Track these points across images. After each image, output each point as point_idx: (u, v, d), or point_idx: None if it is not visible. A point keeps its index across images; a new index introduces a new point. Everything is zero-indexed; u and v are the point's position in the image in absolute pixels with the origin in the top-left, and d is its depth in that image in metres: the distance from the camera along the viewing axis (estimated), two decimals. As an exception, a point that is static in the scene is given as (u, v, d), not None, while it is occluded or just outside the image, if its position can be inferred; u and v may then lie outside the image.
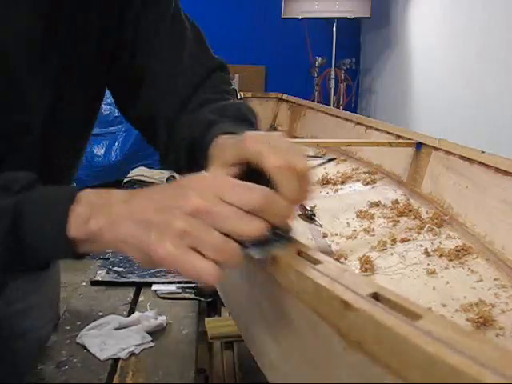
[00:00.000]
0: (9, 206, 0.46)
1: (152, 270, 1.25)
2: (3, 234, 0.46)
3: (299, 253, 0.43)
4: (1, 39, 0.57)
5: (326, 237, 1.34)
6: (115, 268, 1.25)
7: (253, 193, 0.41)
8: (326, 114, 2.31)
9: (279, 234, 0.45)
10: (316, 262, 0.40)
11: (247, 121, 0.63)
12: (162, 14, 0.73)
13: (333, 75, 3.58)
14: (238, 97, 2.69)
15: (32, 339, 0.91)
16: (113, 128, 3.11)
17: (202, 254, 0.40)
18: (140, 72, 0.71)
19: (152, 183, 2.10)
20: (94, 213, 0.44)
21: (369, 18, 3.40)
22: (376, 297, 0.32)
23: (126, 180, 2.18)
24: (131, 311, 1.05)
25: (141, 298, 1.13)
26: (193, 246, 0.40)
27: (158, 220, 0.41)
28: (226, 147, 0.52)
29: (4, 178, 0.49)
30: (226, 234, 0.40)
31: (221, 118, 0.62)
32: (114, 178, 2.73)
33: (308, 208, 1.48)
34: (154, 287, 1.17)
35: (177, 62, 0.72)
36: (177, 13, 0.76)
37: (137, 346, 0.91)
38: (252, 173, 0.47)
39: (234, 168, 0.49)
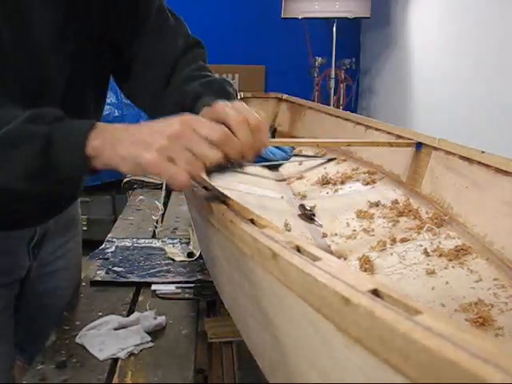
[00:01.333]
0: (42, 131, 0.62)
1: (151, 270, 1.25)
2: (36, 153, 0.62)
3: (299, 249, 0.43)
4: (27, 22, 0.72)
5: (326, 237, 1.34)
6: (115, 268, 1.24)
7: (217, 129, 0.60)
8: (326, 114, 2.31)
9: (231, 164, 0.64)
10: (315, 258, 0.40)
11: (227, 94, 0.82)
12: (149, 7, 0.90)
13: (333, 75, 3.57)
14: (238, 97, 2.70)
15: (59, 297, 1.10)
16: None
17: (176, 164, 0.57)
18: (131, 58, 0.90)
19: (152, 183, 2.10)
20: (100, 136, 0.61)
21: (369, 18, 3.40)
22: (376, 293, 0.32)
23: (125, 180, 2.18)
24: (131, 311, 1.05)
25: (140, 298, 1.13)
26: (171, 158, 0.57)
27: (148, 139, 0.58)
28: (204, 112, 0.69)
29: (39, 110, 0.64)
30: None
31: (206, 91, 0.81)
32: (113, 177, 2.73)
33: (308, 208, 1.48)
34: (154, 287, 1.16)
35: (158, 46, 0.90)
36: (162, 5, 0.93)
37: (136, 345, 0.91)
38: None
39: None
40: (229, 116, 0.63)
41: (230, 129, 0.61)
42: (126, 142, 0.60)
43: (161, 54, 0.90)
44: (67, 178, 0.68)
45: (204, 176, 0.64)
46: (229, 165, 0.64)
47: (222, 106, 0.65)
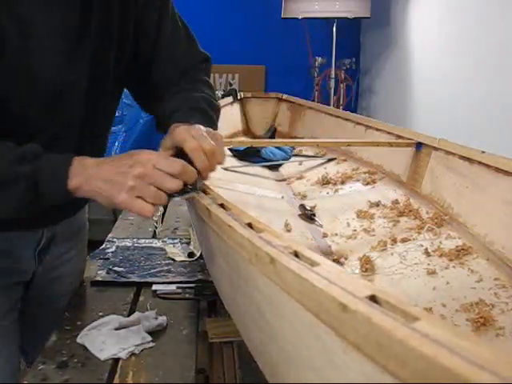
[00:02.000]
0: (28, 171, 0.71)
1: (152, 270, 1.25)
2: (24, 192, 0.71)
3: (297, 255, 0.43)
4: (42, 27, 0.77)
5: (326, 237, 1.34)
6: (115, 268, 1.25)
7: (175, 164, 0.70)
8: (326, 114, 2.31)
9: (191, 188, 0.74)
10: (313, 263, 0.40)
11: (200, 111, 0.90)
12: (163, 15, 0.96)
13: (333, 75, 3.57)
14: (238, 96, 2.70)
15: (62, 301, 1.12)
16: (113, 128, 3.10)
17: (145, 200, 0.68)
18: (146, 63, 0.98)
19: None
20: (75, 175, 0.71)
21: (369, 18, 3.39)
22: (374, 299, 0.32)
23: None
24: (131, 311, 1.05)
25: (141, 298, 1.13)
26: (139, 196, 0.68)
27: (116, 179, 0.69)
28: (168, 135, 0.80)
29: (21, 150, 0.72)
30: (160, 189, 0.69)
31: (181, 107, 0.90)
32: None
33: (308, 208, 1.48)
34: (154, 287, 1.17)
35: (171, 55, 0.98)
36: (173, 10, 0.99)
37: (137, 345, 0.91)
38: (182, 153, 0.75)
39: (170, 151, 0.77)
40: (186, 144, 0.74)
41: (187, 155, 0.73)
42: (98, 180, 0.70)
43: (172, 64, 0.99)
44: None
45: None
46: (189, 188, 0.74)
47: (181, 133, 0.76)
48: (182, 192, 0.72)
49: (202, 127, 0.78)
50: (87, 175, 0.71)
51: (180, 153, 0.75)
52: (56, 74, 0.81)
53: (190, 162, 0.73)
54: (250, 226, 0.54)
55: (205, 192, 0.77)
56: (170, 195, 0.71)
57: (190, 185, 0.74)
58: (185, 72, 0.99)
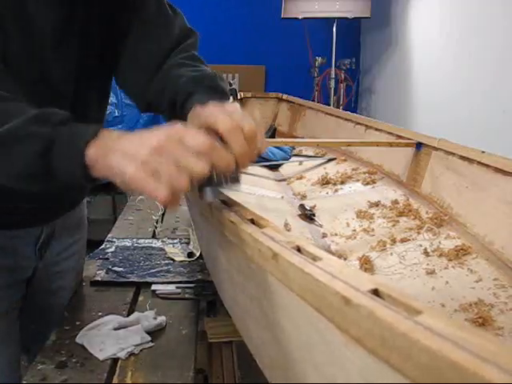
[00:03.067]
0: (46, 133, 0.60)
1: (151, 270, 1.25)
2: (36, 154, 0.60)
3: (299, 249, 0.43)
4: (30, 24, 0.74)
5: (326, 237, 1.34)
6: (115, 268, 1.24)
7: (201, 138, 0.54)
8: (326, 114, 2.31)
9: (225, 180, 0.58)
10: (316, 258, 0.40)
11: (219, 90, 0.80)
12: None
13: (333, 75, 3.57)
14: (238, 96, 2.70)
15: (63, 297, 1.10)
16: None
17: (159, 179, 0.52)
18: (126, 47, 0.90)
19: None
20: (94, 147, 0.59)
21: (369, 18, 3.40)
22: (376, 293, 0.32)
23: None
24: (131, 311, 1.05)
25: (140, 298, 1.12)
26: (152, 173, 0.53)
27: (132, 152, 0.55)
28: (195, 116, 0.65)
29: (46, 110, 0.63)
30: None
31: (197, 88, 0.79)
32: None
33: (308, 208, 1.48)
34: (154, 287, 1.16)
35: (153, 36, 0.89)
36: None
37: (136, 345, 0.91)
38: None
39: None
40: (220, 123, 0.58)
41: (221, 137, 0.57)
42: (117, 152, 0.57)
43: (156, 43, 0.89)
44: (65, 183, 0.65)
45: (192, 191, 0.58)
46: (222, 180, 0.58)
47: (213, 111, 0.61)
48: (214, 183, 0.57)
49: (237, 105, 0.64)
50: (107, 147, 0.58)
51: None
52: (52, 53, 0.78)
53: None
54: (252, 221, 0.54)
55: None
56: (201, 185, 0.57)
57: (224, 176, 0.58)
58: (177, 44, 0.90)
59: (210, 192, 0.58)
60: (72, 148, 0.60)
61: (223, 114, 0.59)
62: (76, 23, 0.81)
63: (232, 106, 0.63)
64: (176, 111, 0.80)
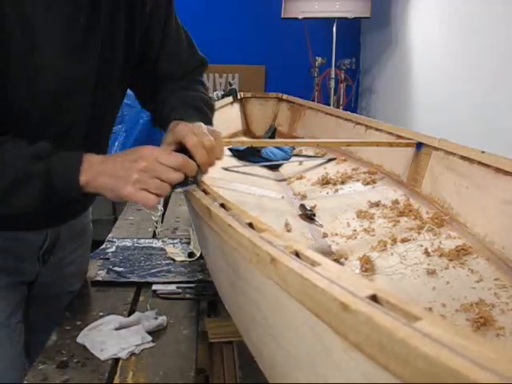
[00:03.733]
0: (41, 170, 0.74)
1: (152, 270, 1.25)
2: (39, 190, 0.75)
3: (298, 255, 0.43)
4: (47, 26, 0.78)
5: (326, 237, 1.34)
6: (115, 268, 1.25)
7: (177, 158, 0.75)
8: (326, 114, 2.31)
9: (191, 181, 0.80)
10: (314, 263, 0.40)
11: (198, 109, 0.95)
12: (168, 17, 0.99)
13: (333, 75, 3.57)
14: (238, 96, 2.70)
15: (64, 302, 1.12)
16: (113, 128, 3.10)
17: (149, 191, 0.73)
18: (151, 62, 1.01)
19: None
20: (84, 171, 0.75)
21: (369, 18, 3.39)
22: (375, 298, 0.32)
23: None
24: (131, 311, 1.05)
25: (141, 298, 1.13)
26: (143, 188, 0.73)
27: (122, 174, 0.74)
28: (169, 132, 0.84)
29: (33, 149, 0.75)
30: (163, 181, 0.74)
31: (180, 105, 0.95)
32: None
33: (308, 208, 1.48)
34: (154, 287, 1.17)
35: (176, 55, 1.02)
36: (175, 15, 1.01)
37: (137, 345, 0.91)
38: (183, 148, 0.80)
39: (171, 146, 0.81)
40: (187, 140, 0.79)
41: (188, 150, 0.79)
42: (105, 175, 0.75)
43: (176, 64, 1.03)
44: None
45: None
46: (190, 180, 0.80)
47: (182, 129, 0.81)
48: (184, 184, 0.79)
49: (202, 125, 0.83)
50: (94, 172, 0.75)
51: (181, 148, 0.80)
52: (62, 73, 0.82)
53: (191, 157, 0.79)
54: (250, 225, 0.54)
55: (205, 192, 0.77)
56: (173, 187, 0.77)
57: (191, 178, 0.80)
58: (186, 72, 1.04)
59: (180, 188, 0.79)
60: (68, 177, 0.75)
61: (190, 132, 0.80)
62: (96, 38, 0.87)
63: (198, 126, 0.82)
64: (161, 120, 0.97)
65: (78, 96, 0.86)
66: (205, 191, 0.77)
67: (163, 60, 1.01)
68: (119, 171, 0.74)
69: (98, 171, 0.75)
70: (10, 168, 0.74)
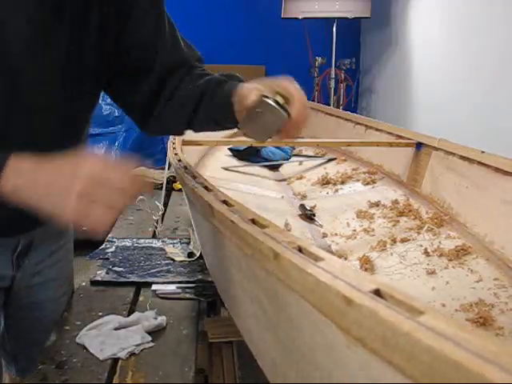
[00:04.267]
0: None
1: (152, 270, 1.25)
2: None
3: (300, 250, 0.43)
4: (6, 25, 0.70)
5: (326, 237, 1.33)
6: (115, 268, 1.24)
7: (123, 176, 0.61)
8: (326, 114, 2.31)
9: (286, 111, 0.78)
10: (317, 258, 0.40)
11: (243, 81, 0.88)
12: (161, 13, 0.90)
13: (333, 75, 3.57)
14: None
15: (48, 309, 1.04)
16: (113, 128, 3.10)
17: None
18: (147, 61, 0.90)
19: (152, 183, 2.09)
20: (10, 178, 0.61)
21: (369, 18, 3.40)
22: (378, 293, 0.32)
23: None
24: (131, 311, 1.05)
25: (140, 298, 1.12)
26: (84, 213, 0.59)
27: (58, 194, 0.60)
28: (261, 82, 0.82)
29: None
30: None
31: (229, 78, 0.88)
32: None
33: (308, 208, 1.48)
34: (154, 287, 1.16)
35: (176, 49, 0.93)
36: (168, 16, 0.92)
37: (136, 345, 0.91)
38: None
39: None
40: (293, 92, 0.77)
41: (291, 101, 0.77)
42: (39, 189, 0.62)
43: (176, 62, 0.93)
44: None
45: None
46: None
47: (285, 82, 0.80)
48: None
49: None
50: (25, 180, 0.62)
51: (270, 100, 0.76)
52: (24, 72, 0.75)
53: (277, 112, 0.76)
54: (253, 221, 0.54)
55: (207, 189, 0.77)
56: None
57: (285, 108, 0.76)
58: (191, 66, 0.95)
59: None
60: None
61: (295, 88, 0.79)
62: (62, 32, 0.78)
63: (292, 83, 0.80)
64: (201, 103, 0.88)
65: (41, 95, 0.78)
66: (206, 188, 0.77)
67: (164, 57, 0.90)
68: (55, 189, 0.61)
69: (29, 180, 0.62)
70: None
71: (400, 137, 1.67)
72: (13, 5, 0.71)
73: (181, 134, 1.04)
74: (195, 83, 0.90)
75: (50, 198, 0.61)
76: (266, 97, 0.76)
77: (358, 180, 1.75)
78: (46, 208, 0.62)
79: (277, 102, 0.76)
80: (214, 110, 0.87)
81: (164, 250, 1.39)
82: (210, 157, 2.05)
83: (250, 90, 0.80)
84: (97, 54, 0.83)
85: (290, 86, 0.78)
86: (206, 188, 0.77)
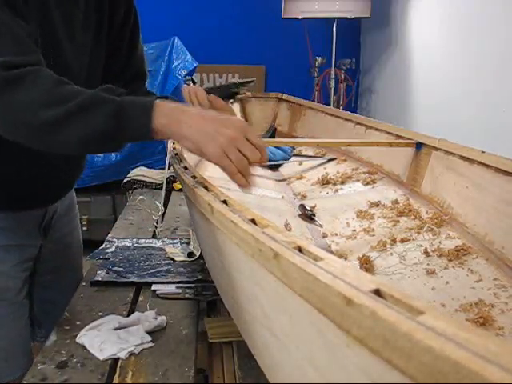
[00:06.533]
0: (114, 100, 0.76)
1: (152, 270, 1.25)
2: (110, 115, 0.74)
3: (300, 250, 0.43)
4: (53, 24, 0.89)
5: (326, 237, 1.34)
6: (115, 268, 1.24)
7: (261, 141, 0.77)
8: (326, 114, 2.31)
9: None
10: (317, 258, 0.40)
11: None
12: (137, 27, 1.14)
13: (333, 75, 3.57)
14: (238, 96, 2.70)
15: (66, 272, 1.25)
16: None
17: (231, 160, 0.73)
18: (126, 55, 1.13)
19: (152, 183, 2.09)
20: (162, 115, 0.75)
21: (369, 18, 3.40)
22: (378, 293, 0.32)
23: (125, 180, 2.18)
24: (131, 311, 1.05)
25: (140, 298, 1.12)
26: (227, 154, 0.73)
27: (210, 132, 0.73)
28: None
29: (109, 86, 0.79)
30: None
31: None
32: (114, 178, 2.72)
33: (308, 208, 1.48)
34: (154, 287, 1.16)
35: (142, 60, 1.17)
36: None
37: (136, 345, 0.91)
38: None
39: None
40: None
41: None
42: (191, 127, 0.74)
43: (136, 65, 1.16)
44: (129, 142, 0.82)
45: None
46: None
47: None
48: None
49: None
50: (175, 117, 0.75)
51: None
52: (70, 61, 0.94)
53: None
54: (253, 222, 0.54)
55: (207, 189, 0.77)
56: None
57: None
58: (143, 79, 1.18)
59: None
60: (140, 112, 0.75)
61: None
62: (90, 33, 1.01)
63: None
64: None
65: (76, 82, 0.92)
66: (207, 188, 0.77)
67: (134, 62, 1.13)
68: (207, 128, 0.74)
69: (177, 119, 0.75)
70: (82, 94, 0.75)
71: (400, 137, 1.67)
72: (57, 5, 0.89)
73: None
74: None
75: (194, 136, 0.74)
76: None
77: (358, 180, 1.75)
78: (190, 143, 0.75)
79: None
80: None
81: (164, 250, 1.38)
82: (210, 157, 2.04)
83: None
84: (103, 56, 1.04)
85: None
86: (205, 188, 0.77)
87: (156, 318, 0.99)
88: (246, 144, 0.73)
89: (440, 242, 1.22)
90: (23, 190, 1.04)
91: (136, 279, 1.19)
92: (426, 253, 1.18)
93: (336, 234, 1.34)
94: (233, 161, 0.73)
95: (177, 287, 1.17)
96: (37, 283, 1.18)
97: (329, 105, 3.43)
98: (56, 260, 1.21)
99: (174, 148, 1.22)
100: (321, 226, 1.40)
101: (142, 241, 1.46)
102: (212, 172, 1.85)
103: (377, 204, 1.49)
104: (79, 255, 1.33)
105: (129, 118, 0.75)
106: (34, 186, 1.05)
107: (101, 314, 1.03)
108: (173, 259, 1.32)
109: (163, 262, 1.30)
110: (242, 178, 0.74)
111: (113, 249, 1.39)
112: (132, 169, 2.30)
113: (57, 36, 0.91)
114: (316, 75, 3.72)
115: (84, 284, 1.18)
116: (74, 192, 1.30)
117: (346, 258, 1.21)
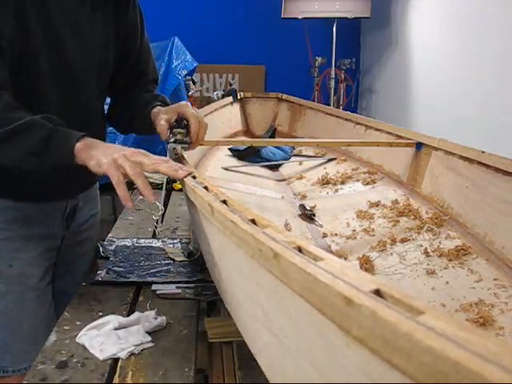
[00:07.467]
0: (50, 127, 0.89)
1: (152, 270, 1.25)
2: (40, 139, 0.88)
3: (300, 250, 0.43)
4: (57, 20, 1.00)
5: (326, 237, 1.33)
6: (115, 268, 1.24)
7: (153, 159, 0.92)
8: (326, 114, 2.31)
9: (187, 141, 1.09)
10: (317, 258, 0.40)
11: (166, 103, 1.20)
12: (143, 27, 1.24)
13: (333, 75, 3.58)
14: (238, 96, 2.70)
15: (83, 264, 1.31)
16: (113, 128, 3.10)
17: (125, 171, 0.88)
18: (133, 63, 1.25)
19: (152, 183, 2.09)
20: (84, 143, 0.89)
21: (369, 18, 3.40)
22: (378, 293, 0.32)
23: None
24: (131, 311, 1.05)
25: (140, 298, 1.12)
26: (119, 167, 0.88)
27: (109, 152, 0.88)
28: (169, 108, 1.10)
29: (48, 116, 0.91)
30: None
31: (154, 100, 1.18)
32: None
33: (308, 208, 1.48)
34: (154, 287, 1.16)
35: (148, 60, 1.29)
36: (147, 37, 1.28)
37: (136, 345, 0.91)
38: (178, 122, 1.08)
39: (172, 116, 1.07)
40: (188, 112, 1.06)
41: (188, 122, 1.06)
42: (99, 150, 0.89)
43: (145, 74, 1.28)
44: (54, 166, 0.92)
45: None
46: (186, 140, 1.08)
47: (185, 106, 1.08)
48: (181, 141, 1.04)
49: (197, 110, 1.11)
50: (90, 146, 0.90)
51: (179, 119, 1.06)
52: (78, 56, 1.04)
53: (186, 127, 1.05)
54: (253, 222, 0.54)
55: (207, 189, 0.76)
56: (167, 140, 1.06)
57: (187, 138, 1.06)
58: (153, 80, 1.30)
59: (175, 144, 1.05)
60: (66, 140, 0.89)
61: (191, 109, 1.08)
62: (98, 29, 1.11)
63: (195, 109, 1.08)
64: (134, 116, 1.20)
65: (86, 77, 1.07)
66: (207, 188, 0.77)
67: (140, 62, 1.23)
68: (109, 150, 0.89)
69: (94, 147, 0.90)
70: (19, 116, 0.88)
71: (400, 137, 1.67)
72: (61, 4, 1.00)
73: (124, 132, 1.49)
74: (139, 96, 1.22)
75: (98, 156, 0.88)
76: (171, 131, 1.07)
77: (358, 180, 1.75)
78: (95, 161, 0.88)
79: (176, 141, 1.06)
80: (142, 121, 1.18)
81: (164, 249, 1.38)
82: (209, 157, 2.05)
83: (159, 120, 1.08)
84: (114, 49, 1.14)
85: (187, 111, 1.07)
86: (205, 188, 0.77)
87: (156, 318, 0.99)
88: (136, 156, 0.88)
89: (440, 242, 1.22)
90: (45, 182, 1.11)
91: (136, 279, 1.19)
92: (426, 253, 1.18)
93: (336, 234, 1.34)
94: (126, 170, 0.88)
95: (177, 287, 1.17)
96: (55, 273, 1.24)
97: (329, 105, 3.44)
98: (72, 252, 1.27)
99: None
100: (321, 226, 1.39)
101: (142, 241, 1.46)
102: (212, 172, 1.85)
103: (377, 204, 1.49)
104: (93, 249, 1.37)
105: (55, 144, 0.88)
106: (55, 179, 1.11)
107: (101, 314, 1.03)
108: (173, 259, 1.32)
109: (163, 262, 1.30)
110: (124, 191, 0.91)
111: (113, 249, 1.39)
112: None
113: (57, 31, 0.99)
114: (316, 75, 3.72)
115: (84, 284, 1.18)
116: (98, 191, 1.40)
117: (345, 258, 1.21)
